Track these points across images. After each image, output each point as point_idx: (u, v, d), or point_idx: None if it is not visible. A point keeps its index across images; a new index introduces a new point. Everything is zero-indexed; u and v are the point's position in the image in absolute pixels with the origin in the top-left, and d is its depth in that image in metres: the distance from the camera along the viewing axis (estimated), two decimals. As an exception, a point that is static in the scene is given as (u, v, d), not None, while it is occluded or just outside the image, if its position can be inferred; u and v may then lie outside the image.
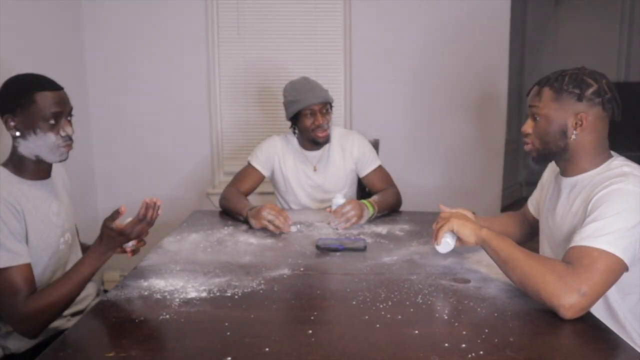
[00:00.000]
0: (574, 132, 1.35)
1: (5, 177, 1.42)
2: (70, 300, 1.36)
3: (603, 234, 1.18)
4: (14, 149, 1.45)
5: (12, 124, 1.40)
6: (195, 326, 1.14)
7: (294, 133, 2.29)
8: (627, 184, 1.24)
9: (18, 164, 1.45)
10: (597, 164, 1.36)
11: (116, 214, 1.36)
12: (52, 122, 1.41)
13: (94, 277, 1.66)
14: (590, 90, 1.33)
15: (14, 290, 1.30)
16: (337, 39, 3.17)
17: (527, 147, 1.45)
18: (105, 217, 1.38)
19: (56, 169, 1.59)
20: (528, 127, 1.43)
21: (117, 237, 1.36)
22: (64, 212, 1.57)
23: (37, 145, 1.41)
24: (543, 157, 1.44)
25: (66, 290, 1.34)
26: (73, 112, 1.49)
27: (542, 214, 1.55)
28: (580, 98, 1.33)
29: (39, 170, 1.48)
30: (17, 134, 1.41)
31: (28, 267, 1.35)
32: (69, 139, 1.45)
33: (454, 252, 1.61)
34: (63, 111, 1.43)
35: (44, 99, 1.39)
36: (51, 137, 1.41)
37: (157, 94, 3.13)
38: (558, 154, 1.40)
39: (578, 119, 1.34)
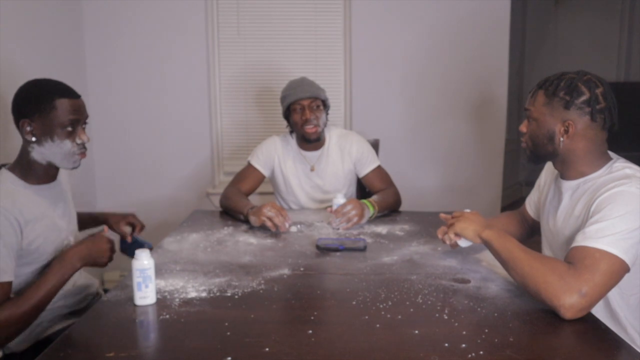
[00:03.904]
0: (561, 139, 1.35)
1: (11, 184, 1.41)
2: (40, 309, 1.32)
3: (605, 235, 1.18)
4: (25, 154, 1.43)
5: (28, 128, 1.39)
6: (195, 326, 1.14)
7: (290, 132, 2.29)
8: (631, 187, 1.24)
9: (26, 169, 1.44)
10: (596, 167, 1.36)
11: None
12: (70, 129, 1.41)
13: (93, 277, 1.66)
14: (581, 99, 1.32)
15: None
16: (337, 39, 3.17)
17: (523, 145, 1.48)
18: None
19: (61, 171, 1.60)
20: (523, 126, 1.45)
21: (91, 244, 1.41)
22: (69, 215, 1.57)
23: (52, 151, 1.41)
24: (535, 157, 1.46)
25: (36, 297, 1.30)
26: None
27: (543, 216, 1.55)
28: (568, 106, 1.32)
29: (46, 174, 1.48)
30: (33, 139, 1.40)
31: (8, 285, 1.31)
32: (83, 146, 1.46)
33: (454, 252, 1.61)
34: (80, 119, 1.44)
35: (64, 106, 1.39)
36: (67, 144, 1.42)
37: (157, 94, 3.12)
38: (549, 156, 1.42)
39: (565, 126, 1.34)
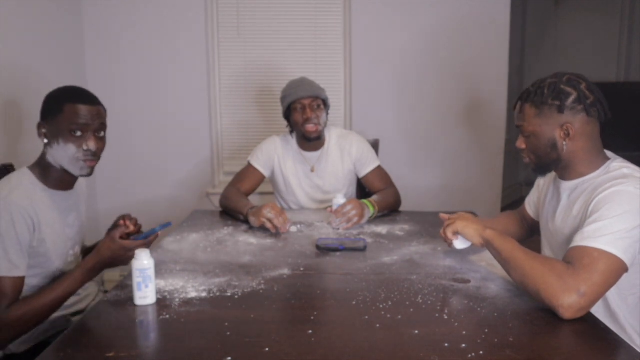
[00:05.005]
0: (564, 143, 1.35)
1: (30, 184, 1.43)
2: (51, 312, 1.35)
3: (604, 235, 1.18)
4: (43, 156, 1.47)
5: (43, 130, 1.44)
6: (195, 326, 1.14)
7: (291, 132, 2.29)
8: (629, 186, 1.24)
9: (44, 171, 1.46)
10: (595, 167, 1.36)
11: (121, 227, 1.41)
12: (79, 134, 1.41)
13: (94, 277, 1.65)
14: (571, 99, 1.32)
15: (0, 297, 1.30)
16: (337, 39, 3.17)
17: (525, 161, 1.47)
18: (109, 230, 1.42)
19: (80, 181, 1.60)
20: (521, 143, 1.44)
21: (117, 251, 1.37)
22: (78, 226, 1.58)
23: (60, 155, 1.42)
24: (542, 169, 1.45)
25: (49, 301, 1.33)
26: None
27: (542, 217, 1.55)
28: (561, 109, 1.32)
29: (63, 180, 1.49)
30: (45, 141, 1.44)
31: (21, 280, 1.35)
32: (91, 154, 1.44)
33: (454, 252, 1.61)
34: (89, 124, 1.42)
35: (72, 110, 1.40)
36: (72, 148, 1.41)
37: (157, 94, 3.12)
38: (554, 164, 1.41)
39: (564, 130, 1.34)
